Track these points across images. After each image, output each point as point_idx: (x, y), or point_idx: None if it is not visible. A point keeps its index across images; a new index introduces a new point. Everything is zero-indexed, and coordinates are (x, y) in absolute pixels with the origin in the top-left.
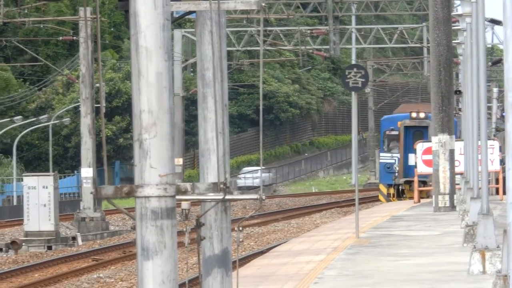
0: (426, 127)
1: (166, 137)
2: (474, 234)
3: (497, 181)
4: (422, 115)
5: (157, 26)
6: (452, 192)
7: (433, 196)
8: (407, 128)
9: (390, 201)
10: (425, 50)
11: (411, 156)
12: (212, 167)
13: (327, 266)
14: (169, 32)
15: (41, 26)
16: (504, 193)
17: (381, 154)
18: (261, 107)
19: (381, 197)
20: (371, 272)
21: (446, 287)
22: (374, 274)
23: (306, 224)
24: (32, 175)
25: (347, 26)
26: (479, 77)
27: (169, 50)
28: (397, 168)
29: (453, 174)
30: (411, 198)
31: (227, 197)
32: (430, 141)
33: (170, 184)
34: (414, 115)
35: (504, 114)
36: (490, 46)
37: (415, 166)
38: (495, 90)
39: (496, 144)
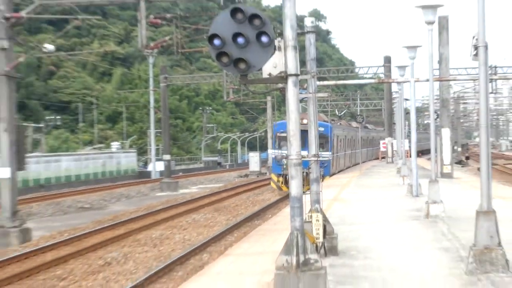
0: (307, 131)
1: (297, 138)
2: (399, 170)
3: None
4: (305, 121)
5: (295, 102)
6: (392, 157)
7: (386, 158)
8: None
9: (280, 188)
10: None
11: None
12: (312, 147)
13: (351, 182)
14: (299, 105)
15: None
16: (410, 156)
17: (273, 151)
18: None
19: (273, 184)
20: (365, 183)
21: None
22: (366, 184)
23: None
24: (253, 153)
25: None
26: (401, 118)
27: (298, 111)
28: (285, 161)
29: (393, 151)
30: None
31: (319, 159)
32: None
33: (299, 154)
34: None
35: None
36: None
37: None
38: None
39: (406, 141)
